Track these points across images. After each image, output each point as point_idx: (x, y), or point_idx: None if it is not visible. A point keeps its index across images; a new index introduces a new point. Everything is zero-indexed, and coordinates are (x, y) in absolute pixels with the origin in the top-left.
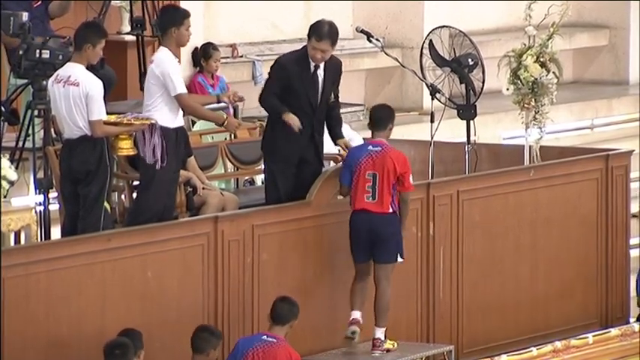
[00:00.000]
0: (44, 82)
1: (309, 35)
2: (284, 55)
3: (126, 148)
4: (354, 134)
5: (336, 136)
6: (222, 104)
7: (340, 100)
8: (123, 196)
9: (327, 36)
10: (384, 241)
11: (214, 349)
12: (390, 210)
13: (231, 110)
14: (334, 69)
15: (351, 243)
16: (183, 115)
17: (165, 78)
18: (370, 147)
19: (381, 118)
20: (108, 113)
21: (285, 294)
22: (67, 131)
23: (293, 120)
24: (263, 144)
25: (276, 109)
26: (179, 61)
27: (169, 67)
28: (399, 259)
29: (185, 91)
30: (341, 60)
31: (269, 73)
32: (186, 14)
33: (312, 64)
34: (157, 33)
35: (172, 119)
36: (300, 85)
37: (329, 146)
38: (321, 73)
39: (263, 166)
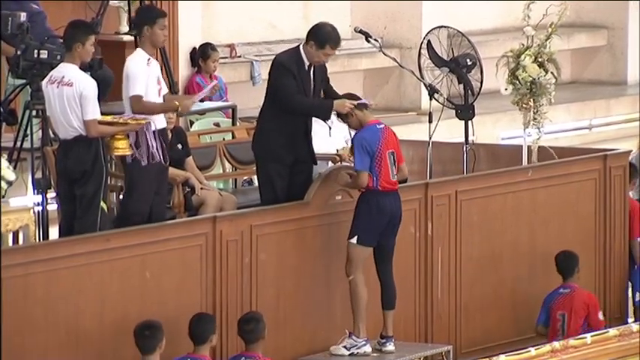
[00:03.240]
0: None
1: (320, 44)
2: (280, 56)
3: (122, 148)
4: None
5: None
6: (222, 104)
7: None
8: (121, 196)
9: (340, 40)
10: None
11: (214, 333)
12: None
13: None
14: (321, 68)
15: None
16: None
17: (127, 80)
18: (561, 290)
19: (568, 266)
20: (105, 113)
21: (282, 294)
22: (62, 132)
23: (344, 104)
24: (255, 146)
25: (321, 107)
26: (159, 62)
27: (131, 68)
28: None
29: (138, 93)
30: None
31: (276, 76)
32: (160, 14)
33: (307, 64)
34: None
35: (154, 120)
36: (300, 84)
37: (328, 146)
38: (311, 72)
39: (256, 168)
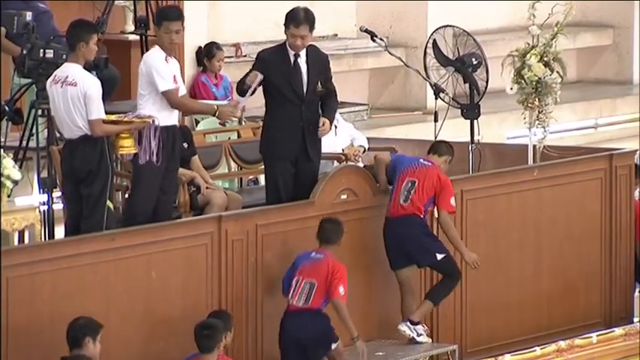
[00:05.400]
0: None
1: (286, 24)
2: (264, 49)
3: (127, 146)
4: (358, 133)
5: (324, 113)
6: (226, 103)
7: (344, 99)
8: (127, 195)
9: (305, 21)
10: None
11: (230, 331)
12: None
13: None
14: (319, 62)
15: None
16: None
17: (150, 76)
18: None
19: None
20: (111, 113)
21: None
22: (67, 131)
23: (226, 112)
24: (260, 145)
25: (244, 80)
26: (175, 60)
27: (155, 65)
28: None
29: (169, 88)
30: (327, 54)
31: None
32: (167, 17)
33: (292, 55)
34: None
35: (163, 118)
36: (281, 76)
37: (333, 146)
38: (302, 63)
39: (264, 167)
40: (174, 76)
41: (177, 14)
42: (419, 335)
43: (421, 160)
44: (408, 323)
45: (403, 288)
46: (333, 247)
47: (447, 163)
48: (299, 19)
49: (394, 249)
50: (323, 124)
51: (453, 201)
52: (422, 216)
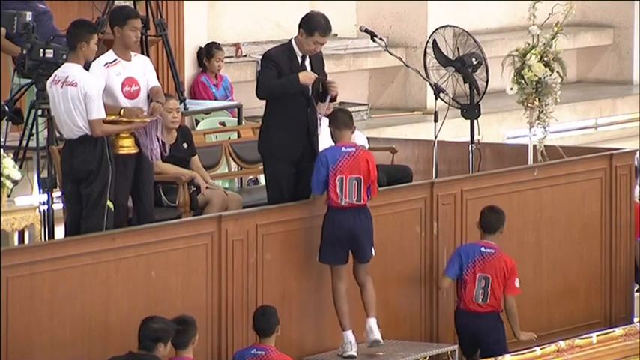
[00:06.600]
0: None
1: (308, 31)
2: (270, 49)
3: (127, 146)
4: (358, 133)
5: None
6: (227, 103)
7: (344, 99)
8: None
9: (329, 29)
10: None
11: (279, 324)
12: None
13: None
14: (317, 58)
15: None
16: None
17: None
18: None
19: None
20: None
21: (288, 294)
22: (67, 131)
23: (309, 75)
24: (260, 145)
25: (285, 84)
26: (140, 58)
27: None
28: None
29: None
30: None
31: (260, 69)
32: (132, 14)
33: (300, 56)
34: (161, 33)
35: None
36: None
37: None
38: (307, 64)
39: (263, 167)
40: (128, 78)
41: (137, 12)
42: None
43: (483, 248)
44: None
45: None
46: (350, 134)
47: (502, 232)
48: (325, 28)
49: (467, 341)
50: (333, 82)
51: (517, 282)
52: (501, 310)
